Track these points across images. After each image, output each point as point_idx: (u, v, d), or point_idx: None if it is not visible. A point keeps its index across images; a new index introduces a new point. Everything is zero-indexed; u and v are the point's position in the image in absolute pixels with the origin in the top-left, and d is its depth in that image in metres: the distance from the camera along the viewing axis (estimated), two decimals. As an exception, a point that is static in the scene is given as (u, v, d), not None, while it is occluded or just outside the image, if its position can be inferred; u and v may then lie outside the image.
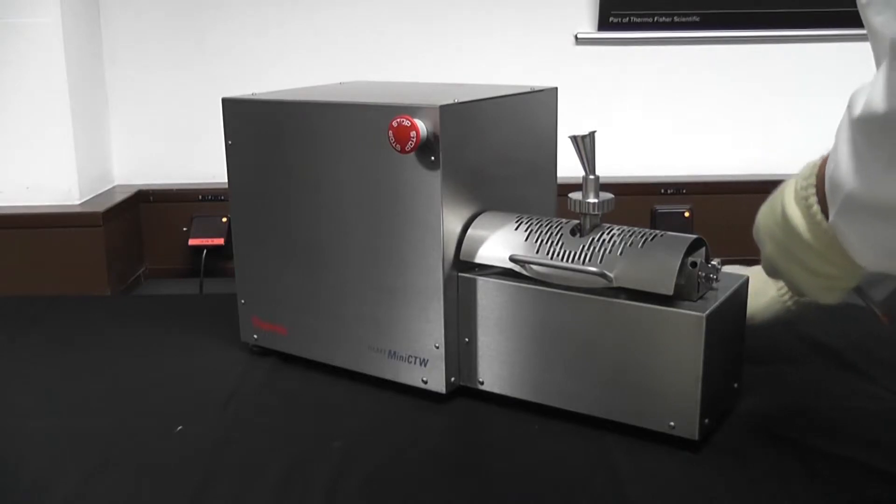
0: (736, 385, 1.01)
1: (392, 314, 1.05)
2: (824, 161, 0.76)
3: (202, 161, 2.08)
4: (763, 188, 0.88)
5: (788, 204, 0.80)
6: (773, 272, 0.87)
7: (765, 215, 0.85)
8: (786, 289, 1.00)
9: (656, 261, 0.91)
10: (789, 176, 0.83)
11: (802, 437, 0.93)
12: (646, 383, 0.92)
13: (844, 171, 0.67)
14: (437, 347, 1.02)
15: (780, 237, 0.82)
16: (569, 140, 0.97)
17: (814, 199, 0.77)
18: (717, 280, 0.92)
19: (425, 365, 1.03)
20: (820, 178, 0.76)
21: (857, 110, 0.63)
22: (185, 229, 2.06)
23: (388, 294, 1.04)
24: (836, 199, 0.70)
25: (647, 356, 0.91)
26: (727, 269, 0.98)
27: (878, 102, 0.59)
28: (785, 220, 0.80)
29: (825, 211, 0.76)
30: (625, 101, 2.12)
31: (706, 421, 0.91)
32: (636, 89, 2.12)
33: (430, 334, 1.02)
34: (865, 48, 0.70)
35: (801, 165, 0.82)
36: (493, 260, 1.00)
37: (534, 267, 0.98)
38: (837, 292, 0.83)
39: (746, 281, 0.99)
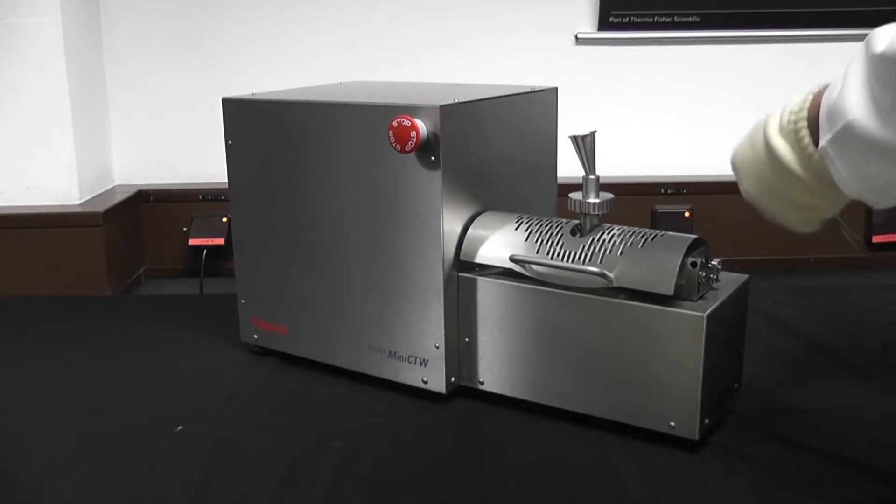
0: (736, 385, 1.01)
1: (392, 314, 1.05)
2: (817, 95, 0.77)
3: (202, 161, 2.09)
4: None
5: (773, 137, 0.80)
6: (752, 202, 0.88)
7: (744, 152, 0.85)
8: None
9: (656, 261, 0.91)
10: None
11: (802, 437, 0.93)
12: (646, 383, 0.92)
13: (851, 101, 0.69)
14: (437, 347, 1.02)
15: (763, 173, 0.82)
16: (569, 140, 0.97)
17: (805, 132, 0.78)
18: (717, 280, 0.92)
19: (425, 365, 1.03)
20: (813, 110, 0.77)
21: (879, 47, 0.66)
22: (185, 229, 2.06)
23: (388, 294, 1.04)
24: (833, 125, 0.72)
25: (647, 356, 0.91)
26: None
27: None
28: (770, 155, 0.80)
29: (817, 143, 0.76)
30: (625, 101, 2.12)
31: (706, 421, 0.91)
32: (636, 89, 2.12)
33: (430, 334, 1.02)
34: (864, 48, 0.70)
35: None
36: (494, 260, 1.00)
37: (534, 267, 0.98)
38: (816, 223, 0.85)
39: (747, 281, 0.99)
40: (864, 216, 2.10)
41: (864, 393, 1.05)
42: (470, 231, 1.02)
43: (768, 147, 0.80)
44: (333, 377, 1.11)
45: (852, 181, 0.73)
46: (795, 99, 0.80)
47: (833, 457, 0.89)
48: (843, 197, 0.80)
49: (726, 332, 0.94)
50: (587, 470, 0.89)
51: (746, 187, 0.85)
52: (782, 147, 0.79)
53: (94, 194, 2.00)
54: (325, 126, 1.05)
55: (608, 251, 0.94)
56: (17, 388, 1.12)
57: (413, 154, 0.97)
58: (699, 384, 0.88)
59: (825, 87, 0.76)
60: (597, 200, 0.97)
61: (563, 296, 0.96)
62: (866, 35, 0.70)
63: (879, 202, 0.76)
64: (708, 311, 0.88)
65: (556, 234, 0.99)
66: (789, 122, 0.79)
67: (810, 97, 0.78)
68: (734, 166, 0.87)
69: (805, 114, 0.78)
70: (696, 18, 2.07)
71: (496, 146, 1.07)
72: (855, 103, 0.69)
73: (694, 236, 0.94)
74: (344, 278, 1.08)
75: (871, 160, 0.70)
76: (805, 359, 1.15)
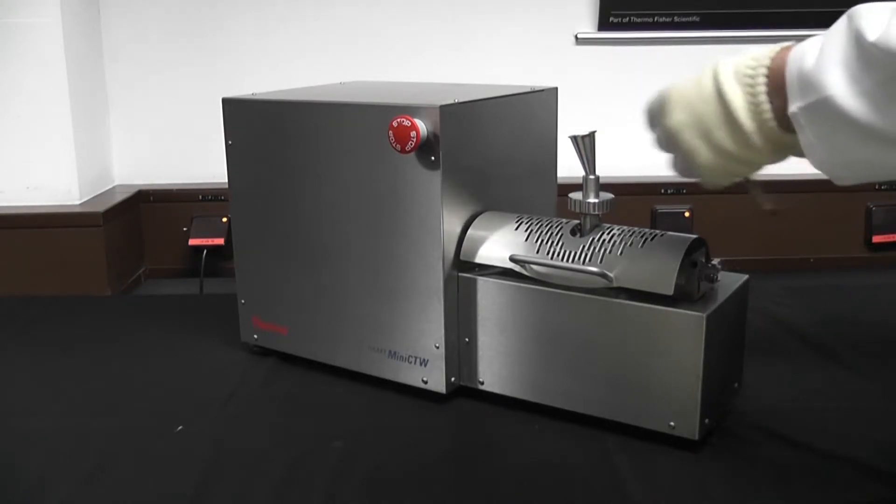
0: (736, 385, 1.01)
1: (392, 314, 1.05)
2: (784, 51, 0.76)
3: (202, 161, 2.08)
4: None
5: (726, 81, 0.78)
6: (667, 144, 0.85)
7: (684, 86, 0.83)
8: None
9: (656, 261, 0.91)
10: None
11: (802, 437, 0.93)
12: (646, 383, 0.92)
13: (830, 76, 0.69)
14: (437, 347, 1.02)
15: (701, 110, 0.80)
16: (569, 140, 0.97)
17: (762, 81, 0.76)
18: (717, 280, 0.92)
19: (425, 365, 1.03)
20: (776, 65, 0.76)
21: (872, 35, 0.66)
22: (185, 229, 2.06)
23: (388, 294, 1.04)
24: (806, 94, 0.71)
25: (647, 356, 0.91)
26: None
27: None
28: (718, 97, 0.78)
29: (770, 97, 0.76)
30: (625, 101, 2.12)
31: (706, 421, 0.91)
32: (636, 89, 2.12)
33: (430, 334, 1.02)
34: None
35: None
36: (494, 260, 1.00)
37: (534, 267, 0.98)
38: (730, 178, 0.83)
39: (747, 281, 0.99)
40: (863, 217, 2.10)
41: (864, 393, 1.05)
42: (470, 231, 1.02)
43: (717, 86, 0.79)
44: (333, 377, 1.11)
45: (822, 152, 0.73)
46: (759, 49, 0.78)
47: (833, 457, 0.89)
48: (772, 157, 0.79)
49: (726, 332, 0.94)
50: (587, 470, 0.89)
51: (676, 120, 0.82)
52: (734, 92, 0.78)
53: (94, 194, 2.00)
54: (325, 126, 1.05)
55: (608, 251, 0.94)
56: (17, 388, 1.12)
57: (413, 154, 0.97)
58: (699, 384, 0.88)
59: (792, 45, 0.76)
60: (597, 200, 0.97)
61: (563, 296, 0.96)
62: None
63: (843, 178, 0.75)
64: (708, 312, 0.88)
65: (556, 234, 0.99)
66: (748, 67, 0.77)
67: (777, 49, 0.77)
68: (666, 97, 0.84)
69: (767, 61, 0.77)
70: (696, 18, 2.07)
71: (496, 146, 1.07)
72: (834, 80, 0.69)
73: (694, 236, 0.94)
74: (344, 278, 1.08)
75: (846, 137, 0.70)
76: (805, 359, 1.15)
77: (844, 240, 2.11)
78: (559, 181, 1.20)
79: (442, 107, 0.96)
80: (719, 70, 0.80)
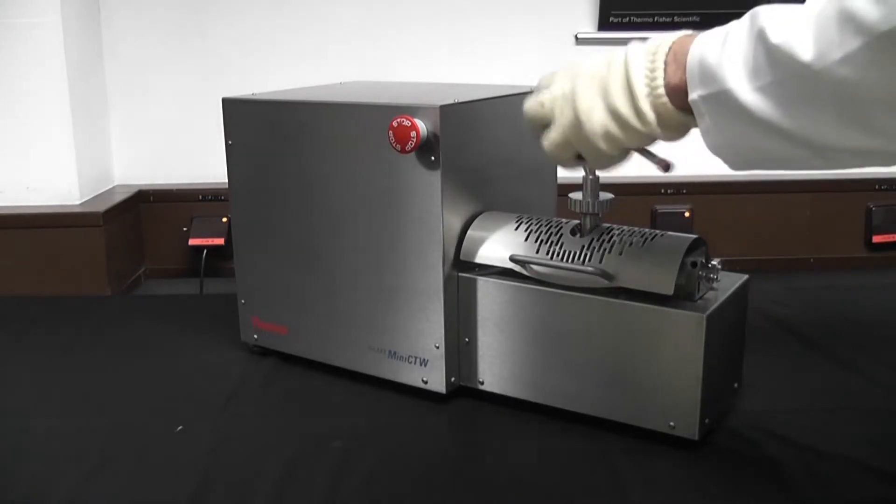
0: (736, 385, 1.01)
1: (392, 314, 1.05)
2: (686, 37, 0.78)
3: (202, 161, 2.09)
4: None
5: (633, 53, 0.80)
6: (561, 106, 0.86)
7: (592, 60, 0.85)
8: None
9: (656, 261, 0.91)
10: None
11: (802, 437, 0.93)
12: (646, 383, 0.92)
13: (731, 70, 0.71)
14: (437, 347, 1.02)
15: (604, 73, 0.82)
16: (569, 140, 0.97)
17: (661, 58, 0.78)
18: (717, 280, 0.92)
19: (425, 365, 1.03)
20: (677, 47, 0.78)
21: (776, 38, 0.67)
22: (185, 229, 2.06)
23: (388, 294, 1.04)
24: (706, 84, 0.74)
25: (647, 356, 0.91)
26: None
27: (807, 53, 0.65)
28: (623, 64, 0.80)
29: (666, 73, 0.78)
30: (625, 101, 2.12)
31: (706, 421, 0.91)
32: (636, 89, 2.12)
33: (430, 334, 1.02)
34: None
35: None
36: (493, 260, 1.00)
37: (534, 267, 0.98)
38: (619, 146, 0.83)
39: (747, 281, 0.99)
40: (863, 217, 2.10)
41: (864, 392, 1.05)
42: (470, 231, 1.02)
43: (625, 57, 0.81)
44: (333, 377, 1.11)
45: (718, 139, 0.76)
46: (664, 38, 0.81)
47: (833, 457, 0.89)
48: (663, 132, 0.81)
49: (726, 332, 0.95)
50: (587, 470, 0.89)
51: (580, 81, 0.84)
52: (637, 58, 0.80)
53: (94, 194, 2.00)
54: (325, 126, 1.05)
55: (608, 251, 0.94)
56: (17, 388, 1.12)
57: (413, 154, 0.97)
58: (699, 384, 0.88)
59: (695, 34, 0.78)
60: (597, 200, 0.97)
61: (563, 296, 0.96)
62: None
63: (737, 165, 0.78)
64: (708, 311, 0.88)
65: (556, 234, 0.99)
66: (653, 48, 0.80)
67: (681, 34, 0.79)
68: (580, 67, 0.85)
69: (670, 43, 0.79)
70: (696, 18, 2.07)
71: (496, 146, 1.07)
72: (734, 74, 0.71)
73: (694, 236, 0.94)
74: (344, 278, 1.08)
75: (743, 128, 0.72)
76: (805, 359, 1.15)
77: (844, 240, 2.11)
78: (559, 181, 1.20)
79: (442, 107, 0.96)
80: (629, 45, 0.82)
